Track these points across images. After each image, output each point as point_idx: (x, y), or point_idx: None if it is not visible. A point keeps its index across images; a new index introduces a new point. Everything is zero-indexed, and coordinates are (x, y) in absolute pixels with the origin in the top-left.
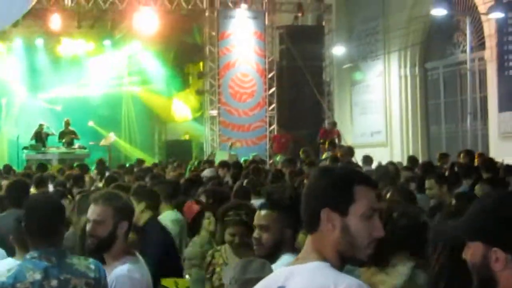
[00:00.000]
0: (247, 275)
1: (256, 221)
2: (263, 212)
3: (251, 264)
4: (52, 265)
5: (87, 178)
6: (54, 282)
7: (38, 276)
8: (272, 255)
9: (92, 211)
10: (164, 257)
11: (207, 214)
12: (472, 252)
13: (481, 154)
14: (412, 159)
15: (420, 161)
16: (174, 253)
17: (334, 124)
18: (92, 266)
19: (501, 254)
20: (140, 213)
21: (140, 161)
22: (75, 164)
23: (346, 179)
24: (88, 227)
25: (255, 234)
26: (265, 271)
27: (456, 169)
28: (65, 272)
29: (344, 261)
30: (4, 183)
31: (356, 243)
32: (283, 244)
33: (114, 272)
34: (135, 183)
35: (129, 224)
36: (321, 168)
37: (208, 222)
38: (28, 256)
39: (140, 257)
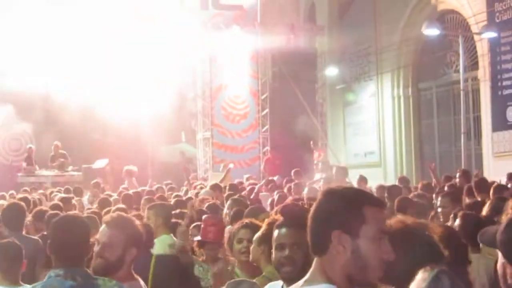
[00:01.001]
0: None
1: (281, 240)
2: (285, 230)
3: (240, 285)
4: (77, 284)
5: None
6: None
7: None
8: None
9: (103, 234)
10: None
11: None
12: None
13: (476, 174)
14: (403, 180)
15: (414, 181)
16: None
17: (316, 144)
18: (117, 287)
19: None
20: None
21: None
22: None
23: (356, 200)
24: (97, 247)
25: (287, 253)
26: None
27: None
28: None
29: (353, 284)
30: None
31: (367, 266)
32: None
33: None
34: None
35: (138, 251)
36: (329, 189)
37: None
38: (52, 274)
39: (142, 282)
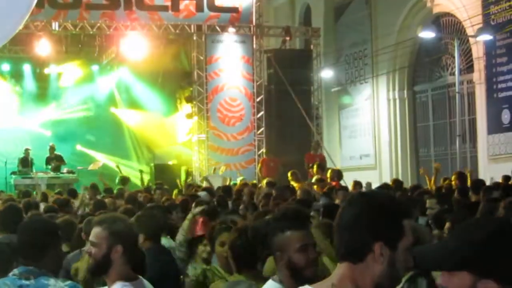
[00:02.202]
0: None
1: (306, 241)
2: (305, 231)
3: (238, 286)
4: (27, 284)
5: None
6: None
7: None
8: None
9: (92, 233)
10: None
11: (205, 240)
12: (457, 281)
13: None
14: (397, 182)
15: (409, 183)
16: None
17: (317, 145)
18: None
19: (492, 286)
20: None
21: (124, 179)
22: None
23: (398, 213)
24: (87, 248)
25: (312, 254)
26: None
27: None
28: None
29: None
30: None
31: (396, 275)
32: None
33: None
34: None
35: (126, 248)
36: (369, 195)
37: (202, 249)
38: (11, 274)
39: (144, 282)
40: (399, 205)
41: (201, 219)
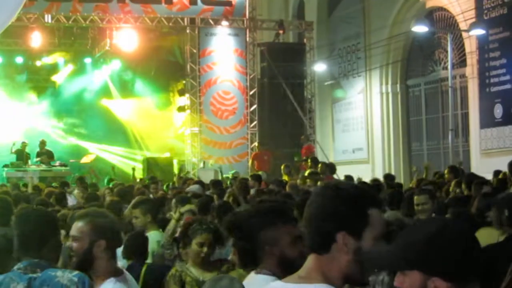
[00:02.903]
0: None
1: (297, 234)
2: (295, 224)
3: (220, 281)
4: (35, 277)
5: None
6: None
7: (21, 286)
8: None
9: (73, 227)
10: None
11: None
12: (410, 280)
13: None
14: (388, 177)
15: (402, 178)
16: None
17: (305, 139)
18: (75, 279)
19: (441, 284)
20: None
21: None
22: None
23: (362, 202)
24: (69, 243)
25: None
26: (234, 287)
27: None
28: (46, 284)
29: (348, 283)
30: None
31: (366, 266)
32: None
33: None
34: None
35: (109, 243)
36: (334, 186)
37: None
38: (15, 268)
39: (129, 277)
40: (364, 194)
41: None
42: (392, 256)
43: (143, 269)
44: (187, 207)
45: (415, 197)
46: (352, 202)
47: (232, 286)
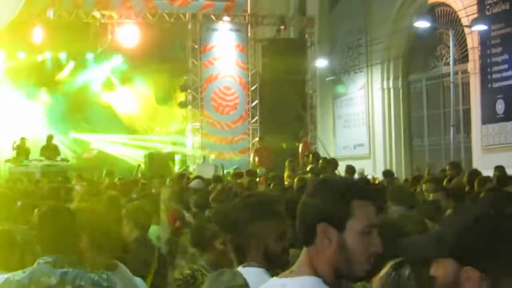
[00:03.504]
0: (219, 285)
1: (283, 229)
2: (281, 219)
3: (222, 274)
4: (67, 272)
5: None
6: None
7: (53, 280)
8: None
9: None
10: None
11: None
12: (443, 269)
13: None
14: (387, 173)
15: (403, 173)
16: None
17: (304, 134)
18: (105, 276)
19: (473, 273)
20: (129, 232)
21: (109, 173)
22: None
23: (344, 193)
24: None
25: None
26: (236, 281)
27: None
28: (78, 279)
29: (340, 276)
30: None
31: (353, 259)
32: None
33: None
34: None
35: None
36: (319, 180)
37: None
38: (41, 261)
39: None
40: (348, 186)
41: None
42: (426, 244)
43: None
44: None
45: (424, 185)
46: (334, 193)
47: (235, 280)
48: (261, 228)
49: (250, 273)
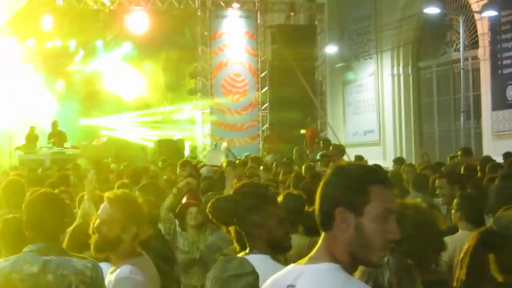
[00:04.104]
0: (227, 273)
1: (282, 215)
2: (278, 206)
3: (230, 262)
4: (50, 260)
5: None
6: (50, 277)
7: (35, 269)
8: None
9: (103, 210)
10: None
11: (190, 209)
12: None
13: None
14: (398, 160)
15: (413, 160)
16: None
17: (312, 121)
18: (89, 265)
19: None
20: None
21: (116, 159)
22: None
23: (362, 178)
24: (96, 223)
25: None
26: (244, 268)
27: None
28: (61, 268)
29: (357, 262)
30: None
31: (370, 245)
32: None
33: (116, 273)
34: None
35: (136, 228)
36: (337, 166)
37: (190, 217)
38: (27, 249)
39: (146, 258)
40: (366, 171)
41: (187, 196)
42: None
43: None
44: (184, 182)
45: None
46: (351, 178)
47: (243, 268)
48: (262, 216)
49: (256, 260)
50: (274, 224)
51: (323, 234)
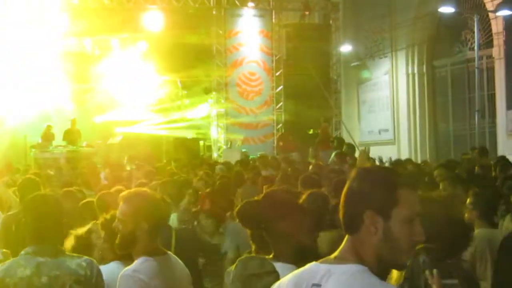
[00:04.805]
0: (248, 271)
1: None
2: None
3: (251, 261)
4: (44, 262)
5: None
6: (44, 279)
7: (28, 272)
8: None
9: (119, 209)
10: None
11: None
12: None
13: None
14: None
15: (428, 159)
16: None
17: (325, 120)
18: (84, 264)
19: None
20: None
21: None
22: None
23: (390, 182)
24: (115, 223)
25: None
26: (265, 267)
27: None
28: (55, 269)
29: (383, 265)
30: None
31: (397, 247)
32: None
33: (122, 271)
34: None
35: (151, 225)
36: (364, 169)
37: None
38: (23, 252)
39: (172, 257)
40: (393, 174)
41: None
42: None
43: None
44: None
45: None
46: (380, 181)
47: (263, 266)
48: (291, 224)
49: (281, 269)
50: (302, 233)
51: (347, 236)
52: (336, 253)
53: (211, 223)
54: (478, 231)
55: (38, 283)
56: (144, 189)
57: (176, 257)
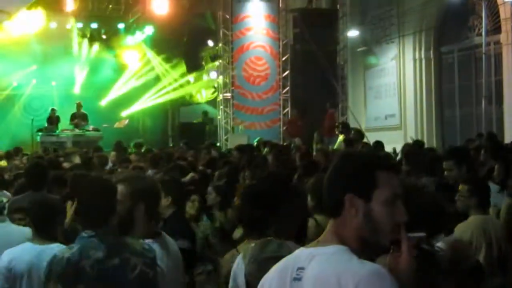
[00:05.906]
0: (265, 254)
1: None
2: None
3: (269, 244)
4: (113, 244)
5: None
6: (116, 261)
7: (100, 254)
8: None
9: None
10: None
11: (192, 196)
12: None
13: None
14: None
15: (434, 144)
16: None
17: (331, 105)
18: (147, 247)
19: None
20: (166, 207)
21: (138, 145)
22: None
23: (369, 165)
24: None
25: None
26: (282, 251)
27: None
28: (125, 251)
29: (366, 247)
30: (16, 163)
31: (379, 229)
32: None
33: None
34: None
35: (148, 206)
36: (344, 153)
37: (190, 206)
38: (84, 235)
39: (167, 238)
40: (372, 157)
41: None
42: None
43: None
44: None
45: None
46: (359, 165)
47: (280, 251)
48: (291, 208)
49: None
50: (299, 216)
51: (331, 220)
52: (320, 237)
53: None
54: (473, 218)
55: (111, 265)
56: (141, 172)
57: (169, 237)
